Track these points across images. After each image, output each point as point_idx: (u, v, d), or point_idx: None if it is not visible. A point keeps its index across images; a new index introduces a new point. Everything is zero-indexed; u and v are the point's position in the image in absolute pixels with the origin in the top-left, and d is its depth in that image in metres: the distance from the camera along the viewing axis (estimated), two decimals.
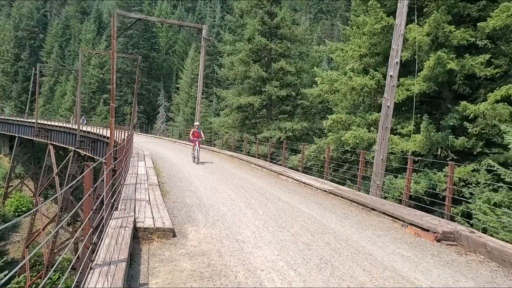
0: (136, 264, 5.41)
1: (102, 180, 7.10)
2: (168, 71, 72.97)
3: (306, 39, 31.79)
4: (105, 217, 6.77)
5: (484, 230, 9.10)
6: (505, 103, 11.93)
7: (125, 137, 17.25)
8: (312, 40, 36.30)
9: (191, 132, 19.50)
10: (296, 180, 14.29)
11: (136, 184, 11.08)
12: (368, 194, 12.33)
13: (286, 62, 27.51)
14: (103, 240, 5.59)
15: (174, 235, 6.78)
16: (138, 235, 6.55)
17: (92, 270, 4.46)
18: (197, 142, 18.61)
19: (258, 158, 22.55)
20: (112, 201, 7.75)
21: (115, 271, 4.43)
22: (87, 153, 36.78)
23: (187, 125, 48.16)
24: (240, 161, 20.76)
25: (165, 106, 61.81)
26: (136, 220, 6.93)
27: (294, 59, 29.13)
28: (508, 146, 9.61)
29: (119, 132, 23.80)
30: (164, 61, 74.15)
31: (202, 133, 19.27)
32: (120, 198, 8.81)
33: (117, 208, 7.77)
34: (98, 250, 5.20)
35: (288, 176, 14.96)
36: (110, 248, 5.23)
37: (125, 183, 10.94)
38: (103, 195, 6.97)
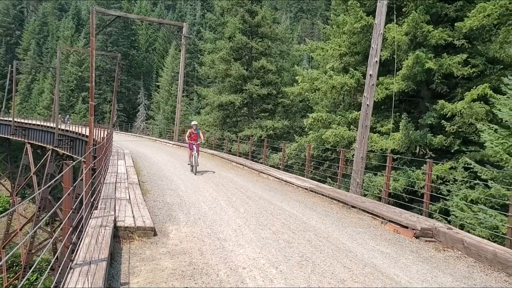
0: (117, 263, 5.36)
1: (82, 179, 7.01)
2: (148, 69, 72.32)
3: (286, 37, 31.89)
4: (84, 217, 6.70)
5: (461, 227, 9.28)
6: (481, 102, 12.19)
7: (105, 136, 17.05)
8: (293, 38, 36.45)
9: (186, 134, 15.75)
10: (277, 178, 14.34)
11: (116, 183, 10.96)
12: (349, 191, 12.45)
13: (267, 60, 27.56)
14: (83, 240, 5.53)
15: (155, 234, 6.74)
16: (119, 234, 6.49)
17: (72, 270, 4.41)
18: (195, 147, 15.14)
19: (240, 156, 22.55)
20: (91, 200, 7.66)
21: (96, 271, 4.39)
22: (65, 152, 36.26)
23: (167, 124, 47.82)
24: (221, 160, 20.73)
25: (145, 104, 61.28)
26: (117, 219, 6.87)
27: (275, 57, 29.20)
28: (484, 144, 9.81)
29: (98, 131, 23.51)
30: (144, 59, 73.44)
31: (201, 134, 15.75)
32: (100, 197, 8.71)
33: (97, 207, 7.68)
34: (78, 249, 5.14)
35: (269, 174, 15.00)
36: (90, 248, 5.17)
37: (105, 182, 10.82)
38: (83, 194, 6.88)
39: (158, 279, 4.91)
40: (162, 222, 7.63)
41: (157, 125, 51.40)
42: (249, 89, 27.17)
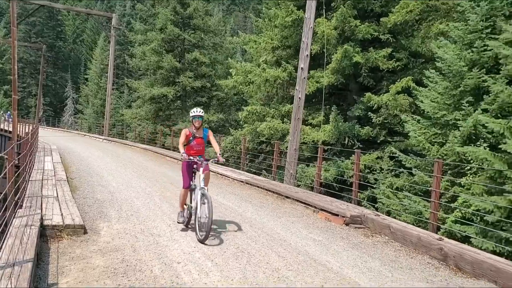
0: (44, 264, 5.11)
1: (4, 177, 6.61)
2: (76, 62, 69.14)
3: (219, 30, 31.76)
4: (7, 216, 6.32)
5: (388, 213, 9.76)
6: (405, 94, 12.87)
7: (30, 131, 16.14)
8: (226, 31, 36.34)
9: (181, 139, 7.11)
10: (213, 171, 14.30)
11: (42, 180, 10.43)
12: (283, 183, 12.70)
13: (200, 52, 27.33)
14: (5, 241, 5.21)
15: (85, 232, 6.49)
16: (46, 234, 6.18)
17: None
18: (201, 168, 6.78)
19: (174, 151, 22.25)
20: (16, 198, 7.24)
21: (20, 272, 4.16)
22: None
23: (97, 118, 46.07)
24: (155, 154, 20.34)
25: (73, 98, 58.67)
26: (43, 218, 6.54)
27: (208, 50, 29.02)
28: (408, 134, 10.36)
29: (23, 126, 22.20)
30: (72, 51, 70.14)
31: (212, 137, 7.28)
32: (25, 195, 8.25)
33: (22, 206, 7.28)
34: (0, 251, 4.85)
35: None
36: (14, 249, 4.89)
37: (30, 179, 10.26)
38: (5, 193, 6.49)
39: (89, 277, 4.75)
40: (93, 220, 7.36)
41: (86, 119, 49.41)
42: (182, 81, 26.82)
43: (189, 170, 7.01)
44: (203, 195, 6.48)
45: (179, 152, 7.01)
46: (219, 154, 6.96)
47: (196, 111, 7.06)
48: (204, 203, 6.37)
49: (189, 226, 7.10)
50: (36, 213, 6.71)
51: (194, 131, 7.08)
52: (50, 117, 58.52)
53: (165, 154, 19.56)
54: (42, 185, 9.65)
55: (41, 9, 41.70)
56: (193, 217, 6.79)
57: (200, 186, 6.59)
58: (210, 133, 7.32)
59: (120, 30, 40.02)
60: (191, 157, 6.79)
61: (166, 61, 26.98)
